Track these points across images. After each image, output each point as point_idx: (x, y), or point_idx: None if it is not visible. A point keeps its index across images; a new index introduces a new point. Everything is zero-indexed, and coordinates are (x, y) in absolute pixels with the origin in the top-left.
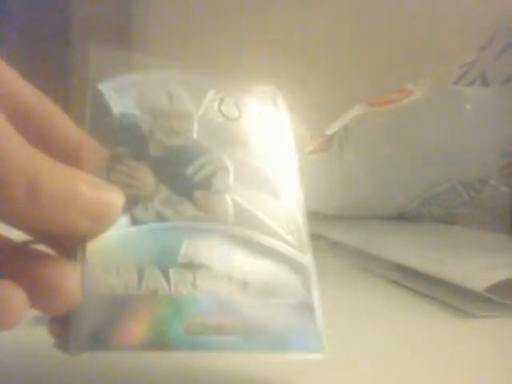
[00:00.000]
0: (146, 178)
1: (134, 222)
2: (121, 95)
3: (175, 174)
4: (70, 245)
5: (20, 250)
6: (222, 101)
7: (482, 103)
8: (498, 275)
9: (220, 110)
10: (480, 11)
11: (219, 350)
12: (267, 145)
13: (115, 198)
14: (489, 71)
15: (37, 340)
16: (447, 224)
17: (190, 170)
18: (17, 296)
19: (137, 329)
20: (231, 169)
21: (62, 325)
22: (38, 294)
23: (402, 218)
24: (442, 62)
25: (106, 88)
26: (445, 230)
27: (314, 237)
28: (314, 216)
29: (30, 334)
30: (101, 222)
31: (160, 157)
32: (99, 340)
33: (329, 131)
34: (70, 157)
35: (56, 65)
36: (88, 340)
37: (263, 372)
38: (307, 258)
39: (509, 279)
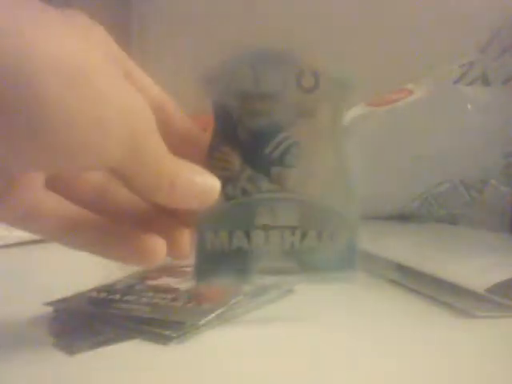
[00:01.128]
0: (234, 161)
1: (227, 198)
2: (213, 83)
3: (257, 154)
4: (186, 215)
5: (157, 214)
6: (301, 73)
7: (483, 103)
8: (499, 275)
9: (299, 83)
10: (480, 11)
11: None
12: (337, 111)
13: (216, 184)
14: (489, 71)
15: (37, 340)
16: (448, 224)
17: (267, 150)
18: (162, 242)
19: (228, 272)
20: (301, 144)
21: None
22: (170, 245)
23: (402, 217)
24: (442, 62)
25: (200, 80)
26: (445, 229)
27: None
28: None
29: (30, 333)
30: (206, 202)
31: (246, 140)
32: (205, 278)
33: None
34: (185, 146)
35: None
36: (198, 279)
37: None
38: (352, 212)
39: (509, 279)
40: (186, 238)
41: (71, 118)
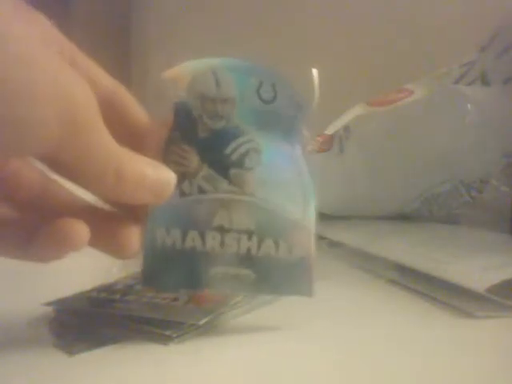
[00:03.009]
0: (192, 158)
1: (182, 194)
2: (177, 83)
3: (215, 154)
4: (136, 210)
5: (100, 211)
6: (261, 83)
7: (483, 103)
8: (499, 275)
9: (259, 93)
10: (480, 11)
11: (235, 290)
12: (295, 125)
13: (171, 177)
14: (490, 71)
15: (37, 340)
16: (448, 224)
17: (227, 151)
18: (80, 227)
19: (179, 274)
20: (261, 149)
21: (63, 325)
22: (113, 243)
23: (402, 217)
24: (442, 62)
25: (166, 76)
26: (445, 229)
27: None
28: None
29: (30, 334)
30: (160, 196)
31: (205, 138)
32: (154, 279)
33: (329, 131)
34: (137, 140)
35: None
36: (145, 280)
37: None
38: (309, 223)
39: (509, 279)
40: (133, 236)
41: None
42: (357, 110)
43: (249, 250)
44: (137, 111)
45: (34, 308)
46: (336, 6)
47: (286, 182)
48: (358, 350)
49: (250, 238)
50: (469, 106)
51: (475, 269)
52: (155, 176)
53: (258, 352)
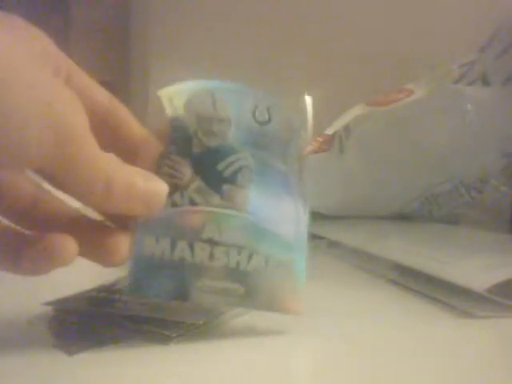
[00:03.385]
0: (186, 171)
1: (173, 204)
2: (174, 101)
3: (209, 169)
4: (126, 220)
5: (90, 222)
6: (256, 107)
7: (483, 103)
8: (499, 275)
9: (254, 115)
10: (480, 11)
11: (223, 304)
12: (289, 147)
13: (162, 188)
14: (489, 71)
15: (37, 340)
16: (448, 224)
17: (220, 167)
18: (69, 243)
19: (166, 284)
20: (253, 167)
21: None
22: (101, 252)
23: (402, 217)
24: (442, 62)
25: (163, 94)
26: (445, 229)
27: (314, 237)
28: (314, 216)
29: (30, 333)
30: (150, 207)
31: (199, 154)
32: (139, 287)
33: (329, 131)
34: (132, 152)
35: None
36: (130, 287)
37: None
38: (300, 243)
39: (509, 279)
40: (122, 244)
41: None
42: (357, 110)
43: (238, 264)
44: (132, 125)
45: (34, 308)
46: (336, 5)
47: (278, 200)
48: (358, 350)
49: (239, 252)
50: (469, 105)
51: (475, 269)
52: (146, 187)
53: (257, 352)
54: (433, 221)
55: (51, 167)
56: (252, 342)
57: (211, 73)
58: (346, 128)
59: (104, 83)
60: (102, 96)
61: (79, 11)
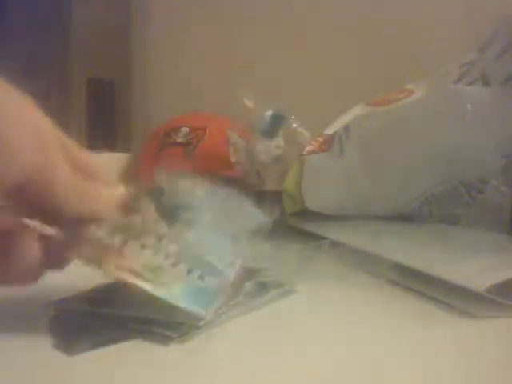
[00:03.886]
0: (148, 211)
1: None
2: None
3: (167, 213)
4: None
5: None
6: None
7: (483, 103)
8: (499, 275)
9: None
10: (480, 11)
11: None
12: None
13: (120, 190)
14: (489, 71)
15: (37, 340)
16: (448, 224)
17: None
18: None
19: None
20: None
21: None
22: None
23: (402, 217)
24: (442, 62)
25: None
26: (445, 230)
27: (314, 237)
28: (314, 216)
29: (30, 334)
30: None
31: (163, 210)
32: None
33: (329, 131)
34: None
35: (56, 65)
36: None
37: None
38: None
39: (509, 279)
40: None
41: None
42: (357, 110)
43: (175, 277)
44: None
45: (34, 308)
46: (336, 5)
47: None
48: (358, 350)
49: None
50: (469, 106)
51: (475, 269)
52: (108, 192)
53: (257, 352)
54: (433, 221)
55: (34, 184)
56: (252, 342)
57: (211, 72)
58: (346, 128)
59: (104, 83)
60: (74, 148)
61: (79, 11)
